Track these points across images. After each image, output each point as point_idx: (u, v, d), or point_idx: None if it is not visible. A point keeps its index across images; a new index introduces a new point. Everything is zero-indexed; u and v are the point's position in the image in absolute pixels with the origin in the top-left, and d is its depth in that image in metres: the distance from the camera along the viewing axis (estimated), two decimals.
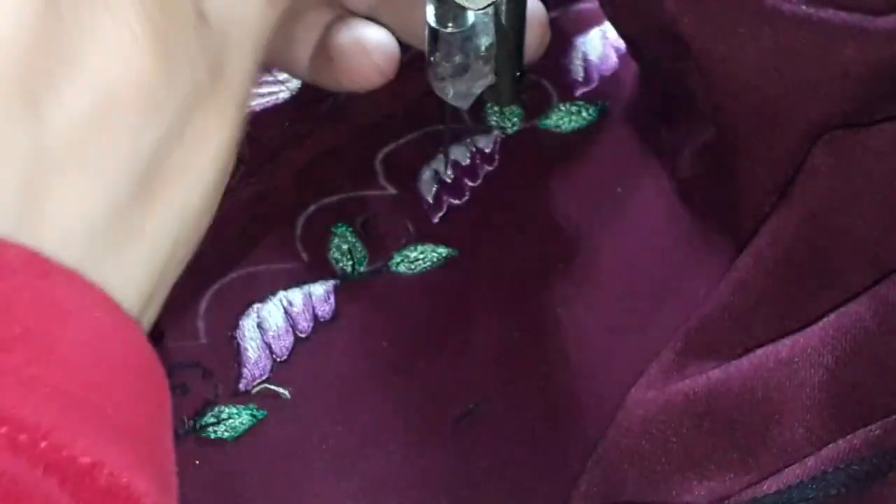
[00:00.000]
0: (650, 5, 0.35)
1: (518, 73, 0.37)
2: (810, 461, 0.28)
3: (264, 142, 0.41)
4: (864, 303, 0.30)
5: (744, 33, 0.33)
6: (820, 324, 0.30)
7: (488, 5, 0.34)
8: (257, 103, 0.43)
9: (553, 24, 0.45)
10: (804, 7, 0.33)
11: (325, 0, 0.39)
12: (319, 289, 0.37)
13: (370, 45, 0.37)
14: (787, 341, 0.30)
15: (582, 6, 0.46)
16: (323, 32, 0.38)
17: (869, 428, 0.28)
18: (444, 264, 0.38)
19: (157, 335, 0.35)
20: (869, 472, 0.27)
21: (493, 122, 0.42)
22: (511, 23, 0.35)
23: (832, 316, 0.30)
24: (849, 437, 0.28)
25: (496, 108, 0.42)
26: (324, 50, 0.38)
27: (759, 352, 0.31)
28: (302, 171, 0.40)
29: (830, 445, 0.28)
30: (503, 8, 0.35)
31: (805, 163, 0.33)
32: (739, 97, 0.34)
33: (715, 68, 0.34)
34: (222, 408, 0.34)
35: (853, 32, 0.33)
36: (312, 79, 0.39)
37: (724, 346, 0.32)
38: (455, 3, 0.34)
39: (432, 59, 0.35)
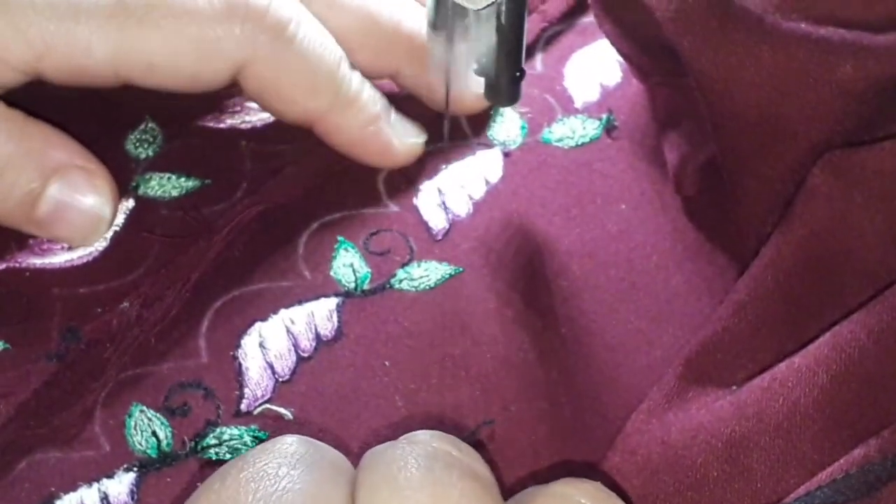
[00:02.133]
0: (647, 26, 0.35)
1: (517, 73, 0.36)
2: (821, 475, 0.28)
3: (268, 158, 0.41)
4: (860, 321, 0.30)
5: (742, 53, 0.33)
6: (816, 343, 0.30)
7: (488, 5, 0.33)
8: (260, 119, 0.42)
9: (557, 37, 0.45)
10: (803, 25, 0.33)
11: None
12: (322, 307, 0.37)
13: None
14: (785, 362, 0.30)
15: (586, 20, 0.46)
16: None
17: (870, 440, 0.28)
18: (449, 282, 0.38)
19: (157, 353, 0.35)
20: (868, 482, 0.27)
21: (496, 138, 0.42)
22: (510, 23, 0.35)
23: (828, 334, 0.30)
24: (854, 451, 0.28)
25: (499, 124, 0.42)
26: None
27: (766, 374, 0.30)
28: (305, 188, 0.40)
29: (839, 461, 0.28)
30: (503, 8, 0.34)
31: (804, 183, 0.32)
32: (739, 117, 0.34)
33: (714, 88, 0.34)
34: (224, 429, 0.34)
35: (853, 50, 0.32)
36: None
37: (725, 370, 0.32)
38: (454, 3, 0.34)
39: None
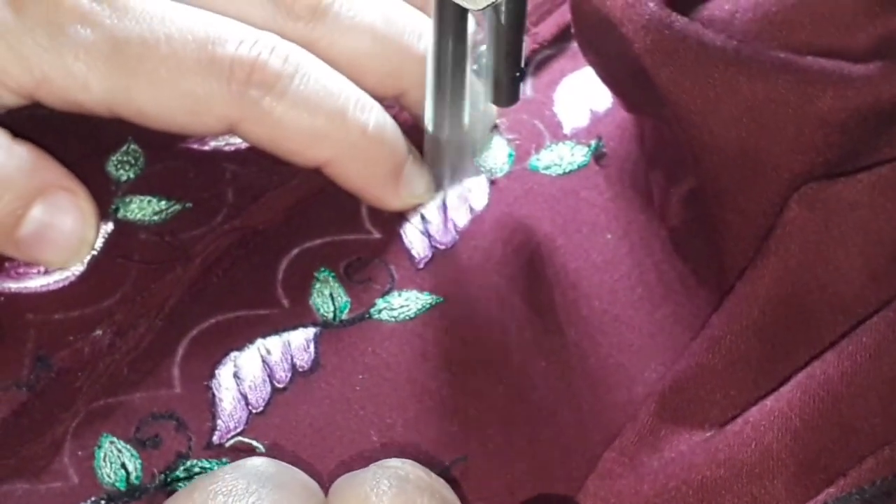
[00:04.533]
0: (627, 57, 0.35)
1: (518, 74, 0.37)
2: None
3: (248, 181, 0.41)
4: (832, 362, 0.30)
5: (720, 85, 0.33)
6: (788, 385, 0.30)
7: (488, 5, 0.34)
8: (242, 141, 0.42)
9: (548, 61, 0.45)
10: (781, 55, 0.32)
11: None
12: (299, 337, 0.37)
13: None
14: (758, 406, 0.30)
15: (577, 44, 0.46)
16: None
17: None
18: (429, 312, 0.38)
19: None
20: None
21: (483, 165, 0.42)
22: (510, 22, 0.35)
23: (801, 375, 0.30)
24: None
25: (486, 150, 0.42)
26: None
27: (738, 419, 0.30)
28: (286, 213, 0.40)
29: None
30: (503, 8, 0.35)
31: (781, 216, 0.32)
32: (718, 149, 0.34)
33: (692, 121, 0.34)
34: (194, 462, 0.34)
35: (832, 79, 0.33)
36: None
37: (699, 407, 0.32)
38: (454, 3, 0.34)
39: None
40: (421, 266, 0.39)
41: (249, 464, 0.27)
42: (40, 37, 0.35)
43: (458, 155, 0.41)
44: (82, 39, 0.36)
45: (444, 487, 0.28)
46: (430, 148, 0.40)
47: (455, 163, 0.41)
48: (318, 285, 0.38)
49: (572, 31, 0.41)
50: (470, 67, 0.37)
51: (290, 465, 0.28)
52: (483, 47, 0.37)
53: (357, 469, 0.34)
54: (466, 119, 0.38)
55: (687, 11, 0.36)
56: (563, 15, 0.46)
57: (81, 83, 0.36)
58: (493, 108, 0.41)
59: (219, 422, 0.35)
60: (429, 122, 0.38)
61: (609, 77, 0.40)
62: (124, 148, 0.42)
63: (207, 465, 0.34)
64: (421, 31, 0.40)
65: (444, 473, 0.34)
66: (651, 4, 0.35)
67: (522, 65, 0.37)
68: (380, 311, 0.38)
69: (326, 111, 0.38)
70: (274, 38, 0.38)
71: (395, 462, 0.28)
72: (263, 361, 0.36)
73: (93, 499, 0.33)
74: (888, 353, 0.29)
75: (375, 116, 0.39)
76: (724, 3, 0.36)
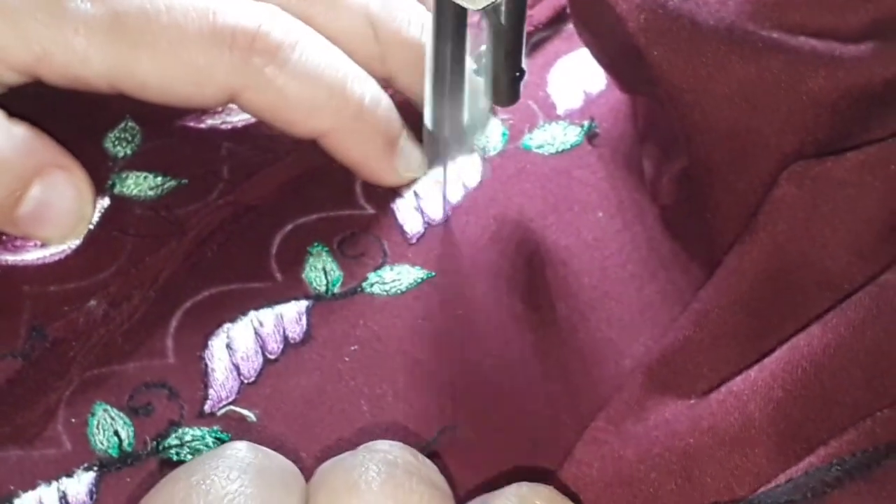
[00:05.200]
0: (621, 36, 0.35)
1: (517, 73, 0.37)
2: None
3: (243, 158, 0.41)
4: (816, 334, 0.30)
5: (712, 64, 0.33)
6: (772, 356, 0.30)
7: (488, 5, 0.34)
8: (241, 119, 0.43)
9: (543, 43, 0.46)
10: (774, 35, 0.33)
11: None
12: (291, 309, 0.37)
13: None
14: (741, 376, 0.30)
15: (572, 25, 0.46)
16: None
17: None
18: (420, 286, 0.38)
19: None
20: (811, 485, 0.27)
21: (476, 143, 0.42)
22: (510, 22, 0.36)
23: (785, 348, 0.30)
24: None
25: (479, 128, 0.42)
26: None
27: (721, 388, 0.30)
28: (281, 189, 0.40)
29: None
30: (503, 8, 0.35)
31: (770, 193, 0.33)
32: (710, 128, 0.34)
33: (684, 100, 0.34)
34: (186, 429, 0.34)
35: (824, 60, 0.33)
36: None
37: (685, 380, 0.32)
38: (454, 2, 0.34)
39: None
40: (413, 241, 0.40)
41: (229, 451, 0.27)
42: (39, 12, 0.35)
43: (456, 151, 0.41)
44: (82, 13, 0.36)
45: (432, 470, 0.28)
46: (428, 143, 0.40)
47: (454, 157, 0.41)
48: (311, 259, 0.39)
49: (568, 10, 0.42)
50: (469, 67, 0.38)
51: (270, 450, 0.28)
52: (483, 47, 0.37)
53: (346, 440, 0.34)
54: (466, 117, 0.38)
55: None
56: None
57: (82, 58, 0.36)
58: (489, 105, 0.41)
59: (211, 391, 0.35)
60: (428, 120, 0.39)
61: (603, 56, 0.40)
62: (122, 125, 0.42)
63: (199, 433, 0.34)
64: (411, 18, 0.41)
65: (432, 443, 0.34)
66: None
67: (523, 65, 0.37)
68: (372, 285, 0.38)
69: (327, 82, 0.38)
70: (275, 8, 0.38)
71: (383, 445, 0.28)
72: (256, 333, 0.37)
73: (85, 465, 0.34)
74: (872, 327, 0.30)
75: (371, 90, 0.39)
76: None
